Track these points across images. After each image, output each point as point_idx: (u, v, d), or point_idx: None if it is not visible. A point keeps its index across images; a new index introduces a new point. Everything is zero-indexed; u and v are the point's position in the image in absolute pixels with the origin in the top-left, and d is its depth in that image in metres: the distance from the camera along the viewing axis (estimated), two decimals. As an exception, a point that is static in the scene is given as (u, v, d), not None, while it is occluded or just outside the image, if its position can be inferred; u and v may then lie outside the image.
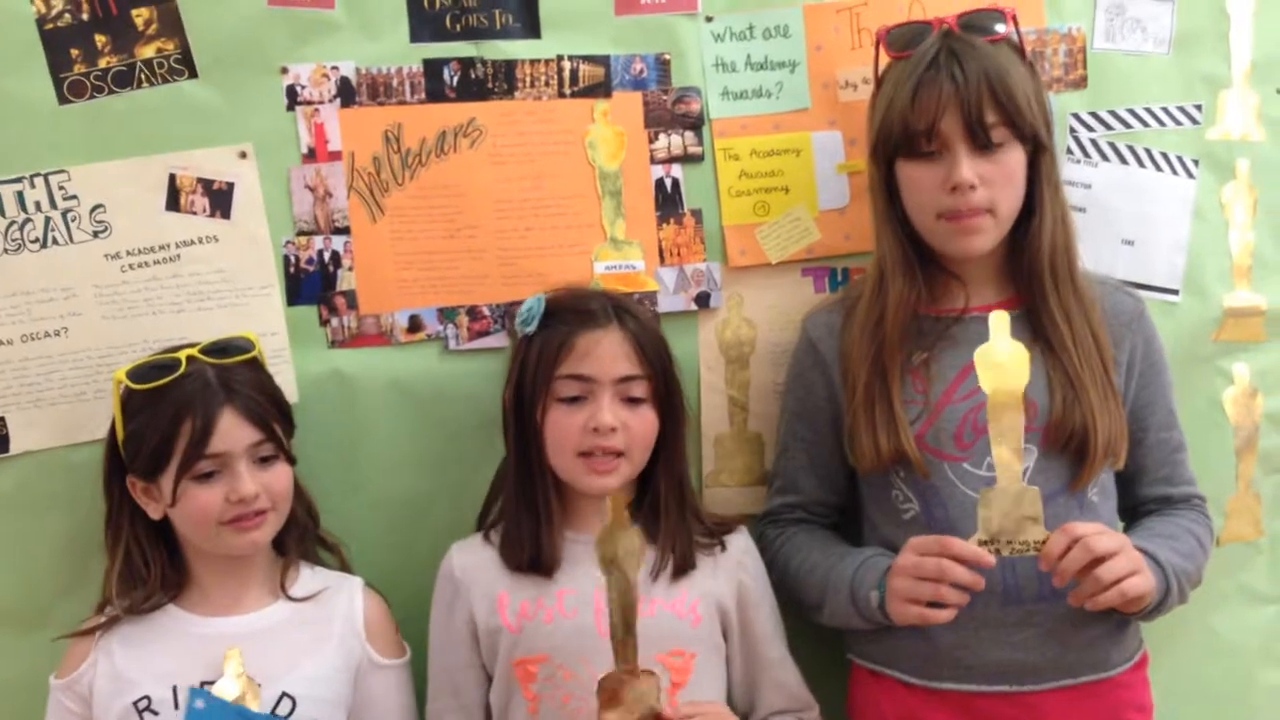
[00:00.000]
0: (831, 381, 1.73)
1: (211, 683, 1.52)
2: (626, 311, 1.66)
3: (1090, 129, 1.93)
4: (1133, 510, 1.75)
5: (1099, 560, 1.50)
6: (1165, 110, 1.95)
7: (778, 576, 1.75)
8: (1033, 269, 1.64)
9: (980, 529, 1.53)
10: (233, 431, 1.54)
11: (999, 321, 1.53)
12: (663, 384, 1.65)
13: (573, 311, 1.65)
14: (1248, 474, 2.00)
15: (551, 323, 1.65)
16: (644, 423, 1.63)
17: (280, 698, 1.54)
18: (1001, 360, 1.52)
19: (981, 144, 1.58)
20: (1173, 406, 1.75)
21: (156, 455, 1.54)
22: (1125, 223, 1.93)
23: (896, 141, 1.61)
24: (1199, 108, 1.95)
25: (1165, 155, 1.95)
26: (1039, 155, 1.63)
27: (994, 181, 1.59)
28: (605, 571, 1.43)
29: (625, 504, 1.45)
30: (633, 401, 1.63)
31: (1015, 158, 1.61)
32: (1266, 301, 1.98)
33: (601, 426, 1.59)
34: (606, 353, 1.62)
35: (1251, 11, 1.95)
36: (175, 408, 1.54)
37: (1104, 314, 1.68)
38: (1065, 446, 1.62)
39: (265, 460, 1.57)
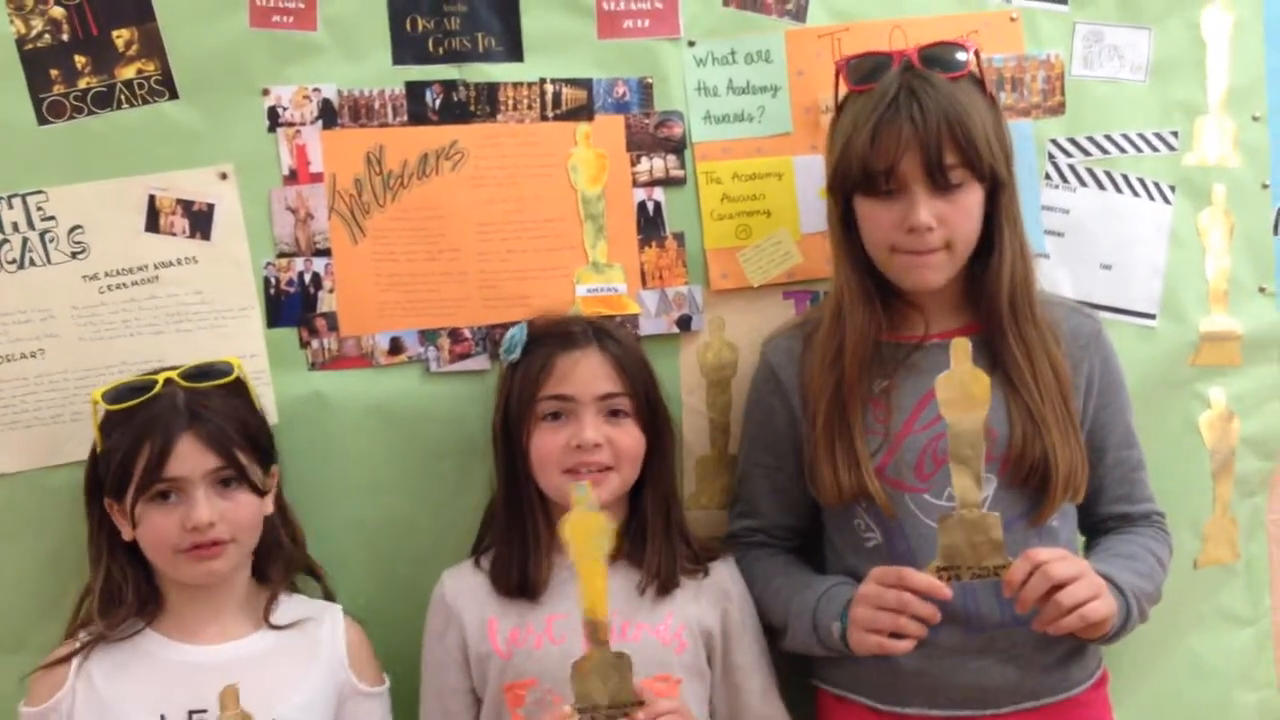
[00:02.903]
0: (792, 408, 1.73)
1: (202, 711, 1.51)
2: (606, 333, 1.68)
3: (1068, 155, 1.94)
4: (1092, 528, 1.76)
5: (1059, 586, 1.51)
6: (1142, 136, 1.97)
7: None
8: (992, 305, 1.64)
9: (939, 556, 1.53)
10: (190, 457, 1.53)
11: (960, 348, 1.52)
12: (645, 404, 1.66)
13: (553, 335, 1.67)
14: (1224, 497, 2.01)
15: (533, 348, 1.66)
16: (630, 437, 1.64)
17: None
18: (963, 387, 1.52)
19: (940, 185, 1.58)
20: (1131, 425, 1.75)
21: (119, 475, 1.54)
22: (1103, 248, 1.94)
23: (855, 179, 1.61)
24: (1175, 134, 1.97)
25: (1142, 181, 1.96)
26: (997, 190, 1.63)
27: (951, 220, 1.59)
28: (573, 555, 1.45)
29: (591, 492, 1.47)
30: (617, 416, 1.63)
31: (973, 196, 1.60)
32: (1242, 326, 1.99)
33: (585, 443, 1.60)
34: (586, 372, 1.63)
35: (1228, 39, 1.97)
36: (138, 429, 1.53)
37: (1062, 337, 1.68)
38: (1026, 480, 1.62)
39: (228, 489, 1.55)
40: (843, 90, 1.69)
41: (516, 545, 1.65)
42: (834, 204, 1.68)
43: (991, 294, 1.64)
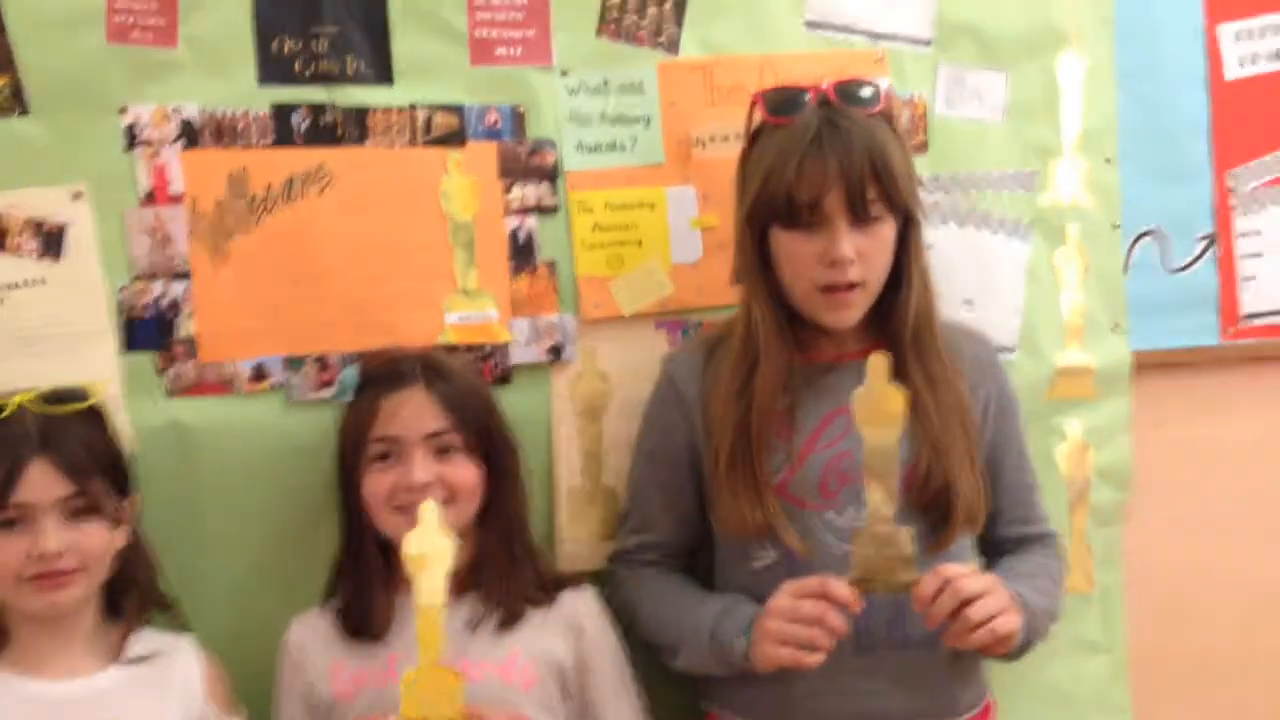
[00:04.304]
0: (692, 423, 1.72)
1: None
2: (435, 370, 1.66)
3: (931, 193, 1.98)
4: (990, 549, 1.79)
5: (968, 601, 1.53)
6: (1001, 176, 2.02)
7: (628, 618, 1.74)
8: (897, 336, 1.66)
9: (853, 569, 1.54)
10: (40, 482, 1.46)
11: (878, 363, 1.54)
12: (479, 437, 1.64)
13: (381, 376, 1.65)
14: (1080, 527, 2.07)
15: (363, 390, 1.65)
16: (462, 472, 1.62)
17: None
18: (879, 402, 1.53)
19: (860, 218, 1.59)
20: (1025, 448, 1.80)
21: None
22: (965, 283, 1.98)
23: (777, 211, 1.61)
24: (1033, 174, 2.03)
25: (1002, 220, 2.02)
26: (908, 225, 1.65)
27: (868, 255, 1.61)
28: (410, 570, 1.44)
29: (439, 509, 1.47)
30: (447, 452, 1.62)
31: (888, 230, 1.63)
32: (1096, 360, 2.06)
33: (413, 484, 1.58)
34: (412, 412, 1.61)
35: (1081, 84, 2.05)
36: None
37: (963, 363, 1.71)
38: (928, 509, 1.64)
39: (79, 517, 1.49)
40: (756, 121, 1.69)
41: (357, 586, 1.64)
42: (748, 236, 1.67)
43: (897, 326, 1.66)
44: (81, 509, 1.49)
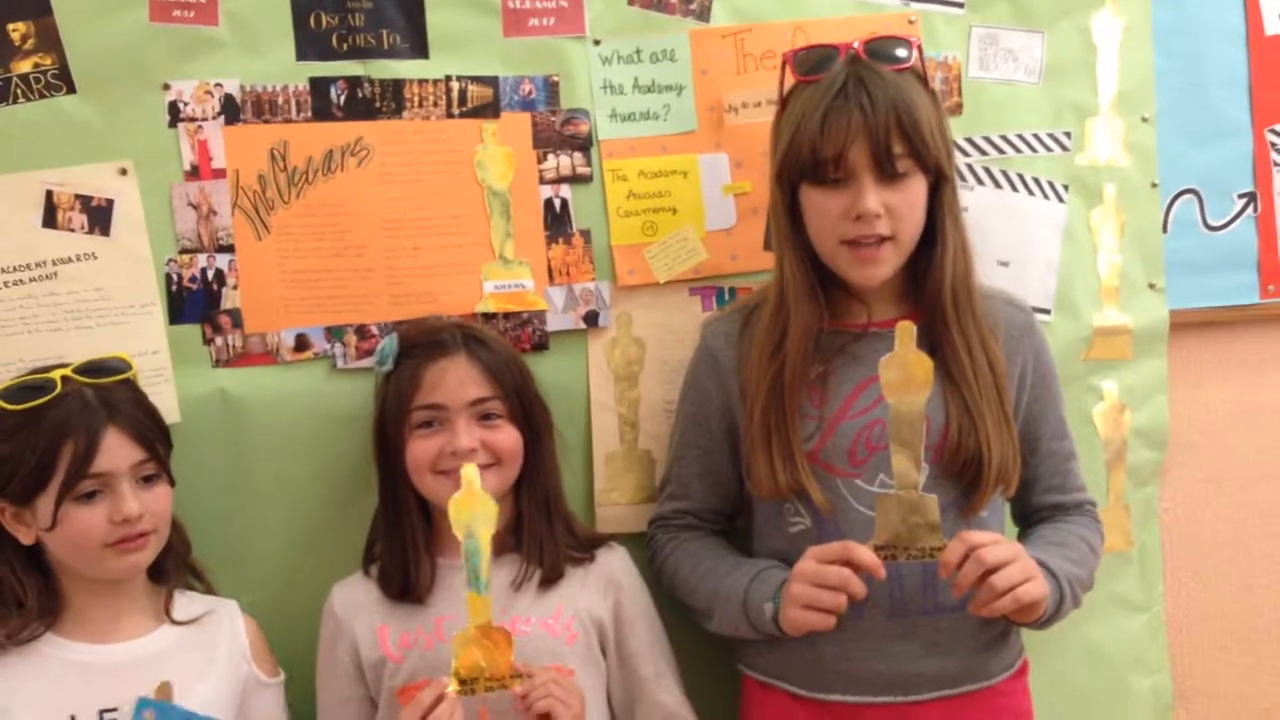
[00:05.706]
0: (728, 390, 1.74)
1: (112, 710, 1.50)
2: (475, 339, 1.69)
3: (966, 154, 1.98)
4: (1026, 518, 1.79)
5: (993, 569, 1.53)
6: (1036, 137, 2.02)
7: (667, 582, 1.77)
8: (934, 298, 1.65)
9: (877, 534, 1.55)
10: (117, 451, 1.52)
11: (905, 331, 1.54)
12: (518, 403, 1.68)
13: (423, 345, 1.68)
14: (1118, 487, 2.07)
15: (403, 359, 1.68)
16: (505, 437, 1.66)
17: None
18: (906, 369, 1.54)
19: (887, 174, 1.59)
20: (1063, 416, 1.79)
21: (34, 477, 1.51)
22: (1000, 245, 1.98)
23: (803, 167, 1.61)
24: (1068, 134, 2.03)
25: (1037, 180, 2.02)
26: (940, 185, 1.64)
27: (897, 210, 1.60)
28: (457, 532, 1.49)
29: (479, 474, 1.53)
30: (490, 419, 1.66)
31: (918, 187, 1.62)
32: (1133, 321, 2.06)
33: (460, 450, 1.62)
34: (455, 379, 1.65)
35: (1117, 43, 2.03)
36: (55, 428, 1.51)
37: (999, 328, 1.70)
38: (960, 472, 1.64)
39: (148, 481, 1.55)
40: (788, 83, 1.69)
41: (399, 550, 1.67)
42: (780, 194, 1.67)
43: (934, 287, 1.65)
44: (150, 473, 1.55)
